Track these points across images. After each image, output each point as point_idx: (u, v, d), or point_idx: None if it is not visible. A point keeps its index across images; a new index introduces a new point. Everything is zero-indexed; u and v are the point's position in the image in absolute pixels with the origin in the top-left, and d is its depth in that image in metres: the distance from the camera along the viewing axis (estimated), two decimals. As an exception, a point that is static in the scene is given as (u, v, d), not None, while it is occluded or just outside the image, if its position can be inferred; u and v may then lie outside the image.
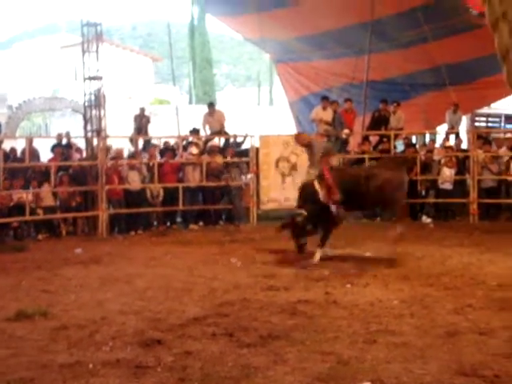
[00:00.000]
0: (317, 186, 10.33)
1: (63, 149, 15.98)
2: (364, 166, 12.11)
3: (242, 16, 20.08)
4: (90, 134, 15.08)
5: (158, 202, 15.12)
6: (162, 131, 19.57)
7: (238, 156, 16.19)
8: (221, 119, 17.36)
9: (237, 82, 62.62)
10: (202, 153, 15.91)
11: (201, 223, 15.47)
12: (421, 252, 10.87)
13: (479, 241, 12.16)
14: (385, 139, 16.45)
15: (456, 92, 18.59)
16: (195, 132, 17.32)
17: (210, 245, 12.48)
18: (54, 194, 14.53)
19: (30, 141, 15.34)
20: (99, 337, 6.30)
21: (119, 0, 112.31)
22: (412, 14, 17.09)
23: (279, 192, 15.67)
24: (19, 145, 16.79)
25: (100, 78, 15.03)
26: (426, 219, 15.25)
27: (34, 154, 15.30)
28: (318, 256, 10.18)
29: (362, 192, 10.41)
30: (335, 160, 11.78)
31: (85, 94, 15.15)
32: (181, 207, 15.25)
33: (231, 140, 17.14)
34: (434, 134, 19.62)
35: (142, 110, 18.62)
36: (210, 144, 16.51)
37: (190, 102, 38.47)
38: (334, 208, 10.26)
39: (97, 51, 14.98)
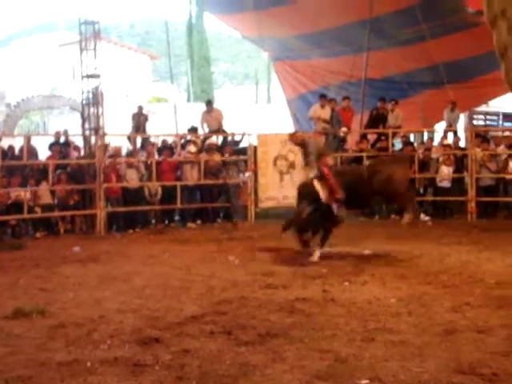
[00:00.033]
0: (317, 185, 10.31)
1: (61, 147, 15.99)
2: (364, 164, 12.09)
3: (240, 14, 20.08)
4: (87, 132, 15.07)
5: (156, 200, 15.12)
6: (160, 129, 19.55)
7: (236, 154, 16.20)
8: (219, 117, 17.35)
9: (235, 80, 62.61)
10: (200, 151, 15.92)
11: (199, 221, 15.47)
12: (419, 250, 10.87)
13: (477, 239, 12.17)
14: (383, 137, 16.46)
15: (454, 90, 18.59)
16: (193, 130, 17.31)
17: (208, 243, 12.48)
18: (52, 192, 14.52)
19: (28, 139, 15.34)
20: (97, 335, 6.29)
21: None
22: (410, 12, 17.09)
23: (277, 190, 15.67)
24: (17, 143, 16.75)
25: (98, 76, 15.03)
26: (424, 217, 15.26)
27: (31, 152, 15.31)
28: (316, 255, 10.17)
29: (366, 189, 10.44)
30: (331, 159, 11.74)
31: (83, 92, 15.14)
32: (179, 205, 15.25)
33: (229, 138, 17.15)
34: (431, 132, 19.64)
35: (140, 108, 18.62)
36: (208, 142, 16.52)
37: (188, 100, 38.46)
38: (335, 207, 10.26)
39: (95, 49, 14.98)
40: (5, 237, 13.66)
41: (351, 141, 17.27)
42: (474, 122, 22.01)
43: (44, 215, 14.26)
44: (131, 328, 6.48)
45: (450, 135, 17.39)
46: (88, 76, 15.01)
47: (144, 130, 18.24)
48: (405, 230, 12.53)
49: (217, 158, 15.76)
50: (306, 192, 10.47)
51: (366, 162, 11.82)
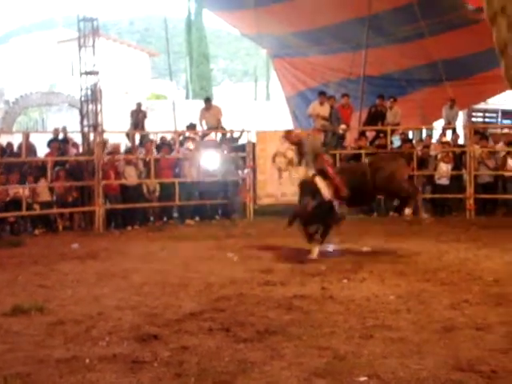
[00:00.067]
0: (319, 182, 10.30)
1: (60, 144, 15.98)
2: (365, 161, 12.08)
3: (239, 11, 20.06)
4: (86, 129, 15.07)
5: (154, 197, 15.12)
6: (159, 126, 19.56)
7: (234, 151, 16.19)
8: (217, 114, 17.35)
9: (234, 77, 62.61)
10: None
11: (197, 218, 15.49)
12: (417, 247, 10.87)
13: (476, 236, 12.17)
14: (381, 134, 16.48)
15: (453, 87, 18.59)
16: (192, 127, 17.32)
17: (207, 240, 12.48)
18: (51, 189, 14.53)
19: (26, 136, 15.34)
20: (96, 332, 6.28)
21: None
22: (409, 9, 17.08)
23: (276, 187, 15.67)
24: (16, 139, 16.74)
25: (96, 73, 15.01)
26: (422, 214, 15.24)
27: (30, 148, 15.31)
28: (315, 252, 10.17)
29: (369, 186, 10.46)
30: (328, 157, 11.74)
31: (81, 89, 15.13)
32: (177, 202, 15.25)
33: (228, 135, 17.15)
34: (430, 130, 19.62)
35: (139, 105, 18.62)
36: (206, 139, 16.51)
37: (187, 97, 38.45)
38: (336, 205, 10.26)
39: (93, 46, 14.96)
40: (3, 234, 13.65)
41: (350, 138, 17.27)
42: (473, 120, 22.01)
43: (42, 212, 14.26)
44: (130, 325, 6.48)
45: (449, 132, 17.40)
46: (87, 73, 15.00)
47: (143, 127, 18.24)
48: (403, 228, 12.55)
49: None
50: (307, 189, 10.47)
51: (366, 160, 11.78)
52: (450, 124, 17.70)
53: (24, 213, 13.85)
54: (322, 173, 10.40)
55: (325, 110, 16.72)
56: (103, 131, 15.15)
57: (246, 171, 16.02)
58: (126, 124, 18.62)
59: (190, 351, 5.63)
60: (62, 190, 14.54)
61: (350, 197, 10.31)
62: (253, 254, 10.69)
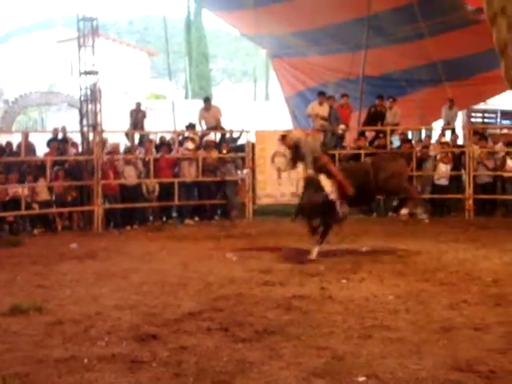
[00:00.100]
0: (323, 181, 10.29)
1: (59, 143, 15.96)
2: (366, 160, 12.06)
3: (239, 11, 20.05)
4: (85, 129, 15.05)
5: (153, 197, 15.12)
6: (158, 126, 19.56)
7: (233, 151, 16.20)
8: (217, 114, 17.34)
9: (233, 77, 62.60)
10: (197, 148, 15.91)
11: (196, 218, 15.48)
12: (416, 247, 10.87)
13: (475, 236, 12.17)
14: (381, 135, 16.47)
15: (452, 88, 18.60)
16: (191, 127, 17.31)
17: (206, 240, 12.48)
18: (50, 189, 14.51)
19: (25, 135, 15.32)
20: (94, 332, 6.29)
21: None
22: (408, 10, 17.08)
23: (275, 187, 15.67)
24: (15, 139, 16.74)
25: (96, 73, 14.99)
26: (421, 215, 15.25)
27: (29, 148, 15.30)
28: (315, 252, 10.16)
29: (371, 186, 10.48)
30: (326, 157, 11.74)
31: (81, 89, 15.11)
32: (176, 202, 15.25)
33: (227, 135, 17.15)
34: (429, 130, 19.61)
35: (138, 104, 18.61)
36: (205, 139, 16.50)
37: (186, 97, 38.44)
38: (338, 204, 10.25)
39: (93, 46, 14.93)
40: (2, 233, 13.64)
41: (349, 138, 17.26)
42: (472, 120, 22.00)
43: (41, 212, 14.24)
44: (128, 325, 6.49)
45: (448, 133, 17.39)
46: (86, 72, 14.98)
47: (142, 127, 18.24)
48: (402, 228, 12.56)
49: (214, 154, 15.74)
50: (311, 186, 10.44)
51: (368, 159, 11.75)
52: (449, 124, 17.70)
53: (23, 212, 13.84)
54: (326, 172, 10.40)
55: (324, 110, 16.72)
56: (102, 131, 15.13)
57: (245, 171, 16.01)
58: (126, 124, 18.61)
59: (189, 351, 5.63)
60: (61, 190, 14.54)
61: (353, 196, 10.33)
62: (252, 254, 10.68)
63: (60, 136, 16.78)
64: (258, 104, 38.24)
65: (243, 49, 61.76)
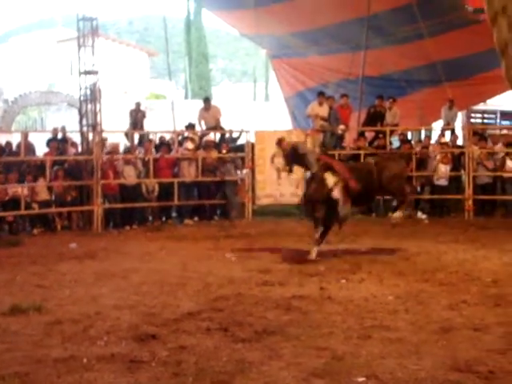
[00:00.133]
0: (328, 178, 10.28)
1: (59, 143, 15.96)
2: (369, 160, 12.02)
3: (239, 11, 20.04)
4: (85, 129, 15.05)
5: (153, 196, 15.12)
6: (158, 126, 19.55)
7: (233, 151, 16.19)
8: (216, 114, 17.34)
9: (233, 77, 62.62)
10: (197, 148, 15.90)
11: (196, 218, 15.49)
12: (416, 248, 10.88)
13: (474, 237, 12.18)
14: (380, 135, 16.47)
15: (452, 88, 18.60)
16: (191, 127, 17.30)
17: (205, 240, 12.48)
18: (49, 189, 14.52)
19: (25, 135, 15.32)
20: (94, 331, 6.29)
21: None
22: (408, 10, 17.08)
23: (275, 187, 15.65)
24: (14, 139, 16.75)
25: (96, 73, 15.00)
26: (421, 215, 15.27)
27: (29, 148, 15.30)
28: (314, 252, 10.15)
29: (375, 185, 10.50)
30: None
31: (80, 89, 15.11)
32: (176, 202, 15.25)
33: (227, 135, 17.15)
34: (429, 131, 19.60)
35: (138, 104, 18.59)
36: (205, 139, 16.50)
37: (186, 97, 38.44)
38: (340, 203, 10.23)
39: (92, 46, 14.94)
40: (2, 233, 13.65)
41: (349, 138, 17.25)
42: (472, 121, 21.99)
43: (41, 211, 14.24)
44: (128, 324, 6.48)
45: (448, 133, 17.38)
46: (86, 72, 14.98)
47: (141, 127, 18.22)
48: (402, 228, 12.55)
49: (214, 155, 15.74)
50: (315, 183, 10.40)
51: (370, 159, 11.72)
52: (448, 125, 17.70)
53: (22, 212, 13.84)
54: (330, 170, 10.41)
55: (324, 111, 16.72)
56: (102, 131, 15.14)
57: (244, 171, 16.01)
58: (125, 124, 18.60)
59: (188, 351, 5.63)
60: (60, 190, 14.54)
61: (356, 195, 10.34)
62: (251, 254, 10.68)
63: (60, 136, 16.77)
64: (258, 104, 38.25)
65: (243, 49, 61.78)
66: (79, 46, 14.98)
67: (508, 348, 5.58)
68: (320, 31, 19.19)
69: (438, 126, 19.05)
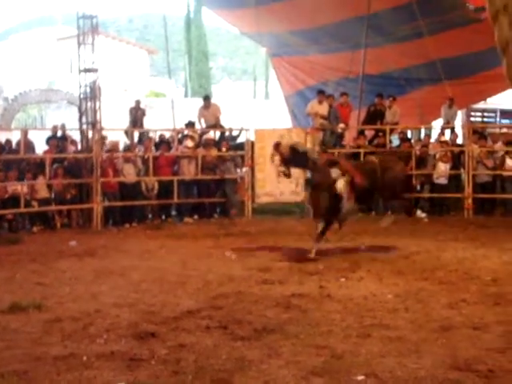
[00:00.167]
0: (334, 173, 10.28)
1: (58, 141, 15.95)
2: (373, 159, 11.95)
3: (240, 9, 20.03)
4: (85, 127, 15.05)
5: (152, 194, 15.11)
6: (158, 124, 19.54)
7: (233, 149, 16.19)
8: (216, 113, 17.34)
9: (233, 75, 62.59)
10: (197, 146, 15.90)
11: (195, 216, 15.47)
12: (415, 246, 10.87)
13: (474, 236, 12.17)
14: (380, 133, 16.45)
15: (452, 87, 18.58)
16: (191, 125, 17.30)
17: (205, 238, 12.48)
18: (49, 186, 14.51)
19: (25, 133, 15.30)
20: (93, 329, 6.29)
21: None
22: (408, 8, 17.06)
23: (274, 186, 15.64)
24: (14, 136, 16.75)
25: (95, 70, 14.99)
26: (420, 214, 15.27)
27: (29, 145, 15.27)
28: (314, 250, 10.14)
29: (378, 183, 10.52)
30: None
31: (80, 86, 15.11)
32: (176, 200, 15.25)
33: (227, 133, 17.14)
34: (429, 129, 19.62)
35: (138, 102, 18.57)
36: (205, 137, 16.49)
37: (186, 95, 38.44)
38: (345, 199, 10.23)
39: (92, 43, 14.94)
40: (1, 231, 13.64)
41: (348, 137, 17.24)
42: (472, 119, 22.00)
43: (41, 209, 14.24)
44: (127, 322, 6.49)
45: (448, 132, 17.37)
46: (86, 70, 14.97)
47: (141, 125, 18.21)
48: (401, 227, 12.55)
49: (214, 153, 15.74)
50: (322, 180, 10.38)
51: (374, 158, 11.67)
52: (448, 123, 17.68)
53: (22, 210, 13.83)
54: (336, 165, 10.44)
55: (323, 109, 16.71)
56: (102, 129, 15.15)
57: (244, 169, 16.01)
58: (125, 121, 18.59)
59: (188, 349, 5.64)
60: (60, 188, 14.53)
61: (361, 192, 10.35)
62: (251, 253, 10.68)
63: (59, 134, 16.75)
64: (258, 102, 38.24)
65: (243, 47, 61.75)
66: (79, 44, 14.98)
67: (507, 347, 5.58)
68: (320, 30, 19.19)
69: (437, 124, 19.04)
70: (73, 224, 14.59)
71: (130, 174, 14.97)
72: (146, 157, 15.26)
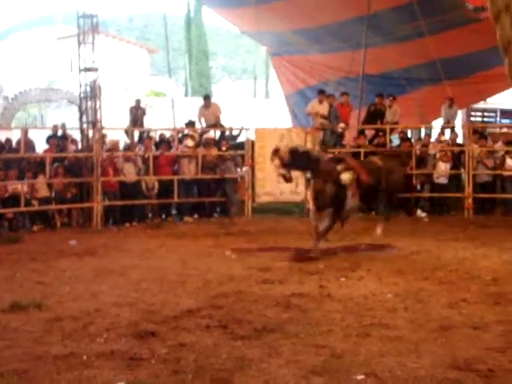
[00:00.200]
0: (339, 167, 10.29)
1: (58, 140, 15.95)
2: (376, 160, 11.89)
3: (240, 8, 20.03)
4: (85, 126, 15.04)
5: (153, 194, 15.11)
6: (158, 123, 19.54)
7: (233, 149, 16.19)
8: (216, 112, 17.34)
9: (233, 74, 62.62)
10: (197, 145, 15.90)
11: (195, 216, 15.47)
12: (415, 246, 10.87)
13: (474, 235, 12.17)
14: (380, 133, 16.45)
15: (452, 86, 18.59)
16: (191, 124, 17.30)
17: (205, 237, 12.48)
18: (49, 186, 14.50)
19: (25, 132, 15.28)
20: (93, 328, 6.29)
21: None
22: (409, 8, 17.06)
23: (274, 185, 15.61)
24: (14, 135, 16.74)
25: (96, 70, 14.99)
26: (420, 213, 15.27)
27: (29, 144, 15.26)
28: (318, 248, 10.13)
29: (382, 184, 10.53)
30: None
31: (80, 86, 15.11)
32: (176, 199, 15.24)
33: (227, 133, 17.14)
34: (429, 129, 19.63)
35: (138, 101, 18.57)
36: (205, 137, 16.50)
37: (186, 95, 38.46)
38: (350, 196, 10.23)
39: (93, 43, 14.93)
40: (2, 230, 13.64)
41: (349, 136, 17.24)
42: (472, 119, 22.00)
43: (41, 208, 14.24)
44: (127, 321, 6.49)
45: (448, 131, 17.37)
46: (86, 69, 14.97)
47: (141, 124, 18.21)
48: (402, 226, 12.55)
49: (214, 152, 15.74)
50: (329, 175, 10.36)
51: (376, 159, 11.65)
52: (448, 123, 17.68)
53: (22, 209, 13.83)
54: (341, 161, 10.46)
55: (324, 109, 16.72)
56: (102, 128, 15.15)
57: (244, 169, 16.01)
58: (125, 121, 18.59)
59: (188, 348, 5.64)
60: (60, 187, 14.53)
61: (366, 191, 10.35)
62: (251, 252, 10.68)
63: (59, 133, 16.75)
64: (258, 102, 38.24)
65: (243, 46, 61.76)
66: (79, 43, 14.97)
67: (507, 346, 5.58)
68: (321, 29, 19.19)
69: (437, 124, 19.05)
70: (73, 223, 14.59)
71: (130, 173, 14.97)
72: (146, 156, 15.26)
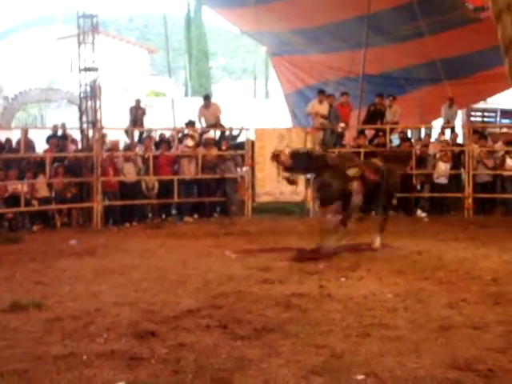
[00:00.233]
0: (348, 167, 10.31)
1: (58, 140, 15.95)
2: (378, 161, 11.86)
3: (240, 8, 20.03)
4: (85, 126, 15.04)
5: (153, 194, 15.11)
6: (158, 123, 19.54)
7: (233, 149, 16.19)
8: (216, 112, 17.34)
9: (233, 74, 62.64)
10: (197, 145, 15.90)
11: (195, 216, 15.47)
12: (416, 246, 10.87)
13: (474, 235, 12.17)
14: (380, 133, 16.46)
15: (452, 86, 18.59)
16: (191, 124, 17.30)
17: (205, 237, 12.48)
18: (49, 186, 14.50)
19: (25, 132, 15.28)
20: (93, 328, 6.29)
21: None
22: (409, 8, 17.06)
23: (274, 185, 15.61)
24: (14, 135, 16.74)
25: (96, 70, 14.99)
26: (420, 213, 15.28)
27: (29, 144, 15.26)
28: (328, 245, 10.15)
29: (382, 185, 10.55)
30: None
31: (80, 86, 15.11)
32: (176, 199, 15.24)
33: (227, 133, 17.14)
34: (429, 129, 19.63)
35: (138, 101, 18.57)
36: (205, 136, 16.50)
37: (186, 95, 38.47)
38: (354, 193, 10.24)
39: (93, 43, 14.93)
40: (1, 230, 13.63)
41: (349, 136, 17.25)
42: (472, 119, 22.01)
43: (41, 208, 14.24)
44: (127, 321, 6.49)
45: (448, 131, 17.38)
46: (86, 69, 14.97)
47: (141, 124, 18.21)
48: (402, 226, 12.54)
49: (214, 152, 15.74)
50: (336, 171, 10.35)
51: (377, 160, 11.65)
52: (448, 123, 17.70)
53: (22, 209, 13.83)
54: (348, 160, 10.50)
55: (324, 109, 16.72)
56: (102, 128, 15.15)
57: (244, 169, 16.01)
58: (125, 121, 18.59)
59: (188, 348, 5.64)
60: (60, 187, 14.53)
61: (369, 189, 10.37)
62: (251, 252, 10.68)
63: (59, 133, 16.75)
64: (258, 102, 38.25)
65: (243, 46, 61.79)
66: (79, 43, 14.97)
67: (507, 346, 5.58)
68: (320, 29, 19.19)
69: (437, 124, 19.05)
70: (73, 223, 14.59)
71: (130, 173, 14.97)
72: (146, 156, 15.26)
